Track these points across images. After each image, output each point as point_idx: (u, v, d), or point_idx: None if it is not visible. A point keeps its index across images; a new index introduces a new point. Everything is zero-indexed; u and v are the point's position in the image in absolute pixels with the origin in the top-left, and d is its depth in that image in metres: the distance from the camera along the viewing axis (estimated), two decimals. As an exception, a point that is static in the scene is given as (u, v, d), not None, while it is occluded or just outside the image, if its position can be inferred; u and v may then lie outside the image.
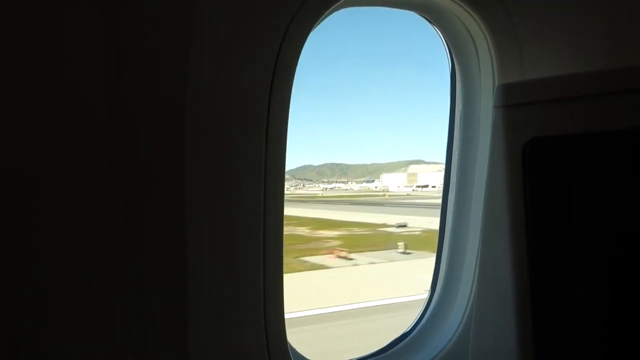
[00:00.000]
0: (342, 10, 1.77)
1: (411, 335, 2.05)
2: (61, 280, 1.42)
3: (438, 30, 1.97)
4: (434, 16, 1.93)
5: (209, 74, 1.45)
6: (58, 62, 1.37)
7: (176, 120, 1.44)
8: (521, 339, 1.54)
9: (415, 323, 2.08)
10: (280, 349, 1.66)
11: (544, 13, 1.85)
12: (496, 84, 1.84)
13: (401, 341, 2.03)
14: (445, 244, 2.05)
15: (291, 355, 1.71)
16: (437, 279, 2.08)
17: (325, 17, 1.66)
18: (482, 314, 1.71)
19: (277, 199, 1.60)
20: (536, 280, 1.53)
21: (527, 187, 1.53)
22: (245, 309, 1.59)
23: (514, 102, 1.56)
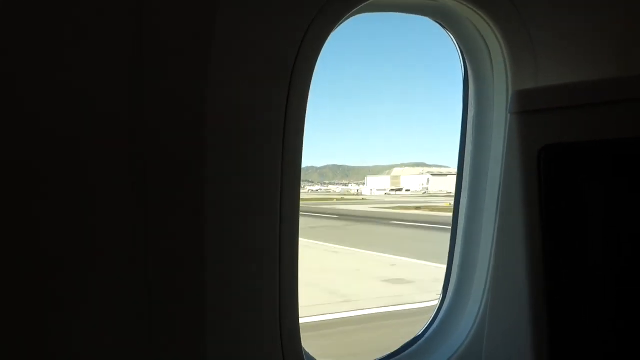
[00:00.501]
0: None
1: (423, 338, 2.05)
2: (78, 280, 1.41)
3: (452, 36, 1.98)
4: (448, 22, 1.93)
5: (228, 81, 1.45)
6: (82, 64, 1.35)
7: (196, 126, 1.44)
8: (536, 342, 1.56)
9: (427, 326, 2.09)
10: (294, 350, 1.66)
11: (558, 20, 1.86)
12: (510, 90, 1.85)
13: (413, 344, 2.04)
14: (457, 249, 2.06)
15: (305, 357, 1.71)
16: (448, 282, 2.09)
17: (340, 23, 1.67)
18: (496, 316, 1.72)
19: (293, 203, 1.60)
20: (551, 284, 1.55)
21: (542, 193, 1.55)
22: (261, 311, 1.60)
23: (530, 108, 1.58)
